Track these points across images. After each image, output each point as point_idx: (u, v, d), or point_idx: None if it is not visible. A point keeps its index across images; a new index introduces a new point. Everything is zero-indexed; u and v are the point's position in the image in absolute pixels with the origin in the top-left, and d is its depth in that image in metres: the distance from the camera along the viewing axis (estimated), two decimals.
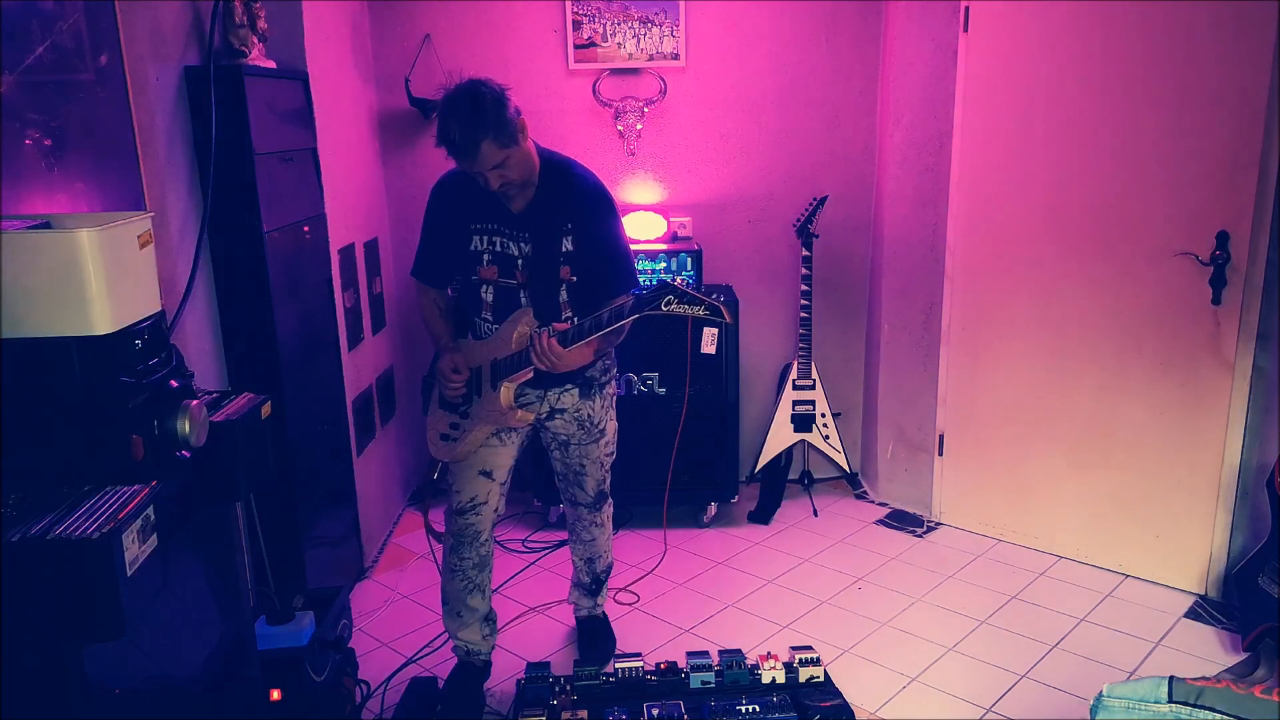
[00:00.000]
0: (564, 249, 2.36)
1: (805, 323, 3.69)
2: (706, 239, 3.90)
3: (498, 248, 2.38)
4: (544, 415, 2.52)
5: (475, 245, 2.39)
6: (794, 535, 3.67)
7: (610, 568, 2.86)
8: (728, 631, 2.98)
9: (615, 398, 2.64)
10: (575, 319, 2.31)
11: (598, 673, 2.50)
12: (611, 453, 2.66)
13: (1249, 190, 2.79)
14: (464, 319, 2.51)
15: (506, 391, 2.38)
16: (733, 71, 3.80)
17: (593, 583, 2.85)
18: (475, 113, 2.15)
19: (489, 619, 2.64)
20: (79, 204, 1.89)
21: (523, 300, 2.39)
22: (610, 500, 2.75)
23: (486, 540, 2.56)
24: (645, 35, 3.73)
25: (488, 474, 2.49)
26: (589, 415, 2.54)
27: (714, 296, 2.12)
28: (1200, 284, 2.93)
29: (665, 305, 2.09)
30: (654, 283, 2.26)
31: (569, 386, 2.49)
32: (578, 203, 2.36)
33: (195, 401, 1.54)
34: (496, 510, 2.54)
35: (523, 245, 2.36)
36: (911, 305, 3.70)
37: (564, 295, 2.39)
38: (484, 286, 2.41)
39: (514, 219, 2.36)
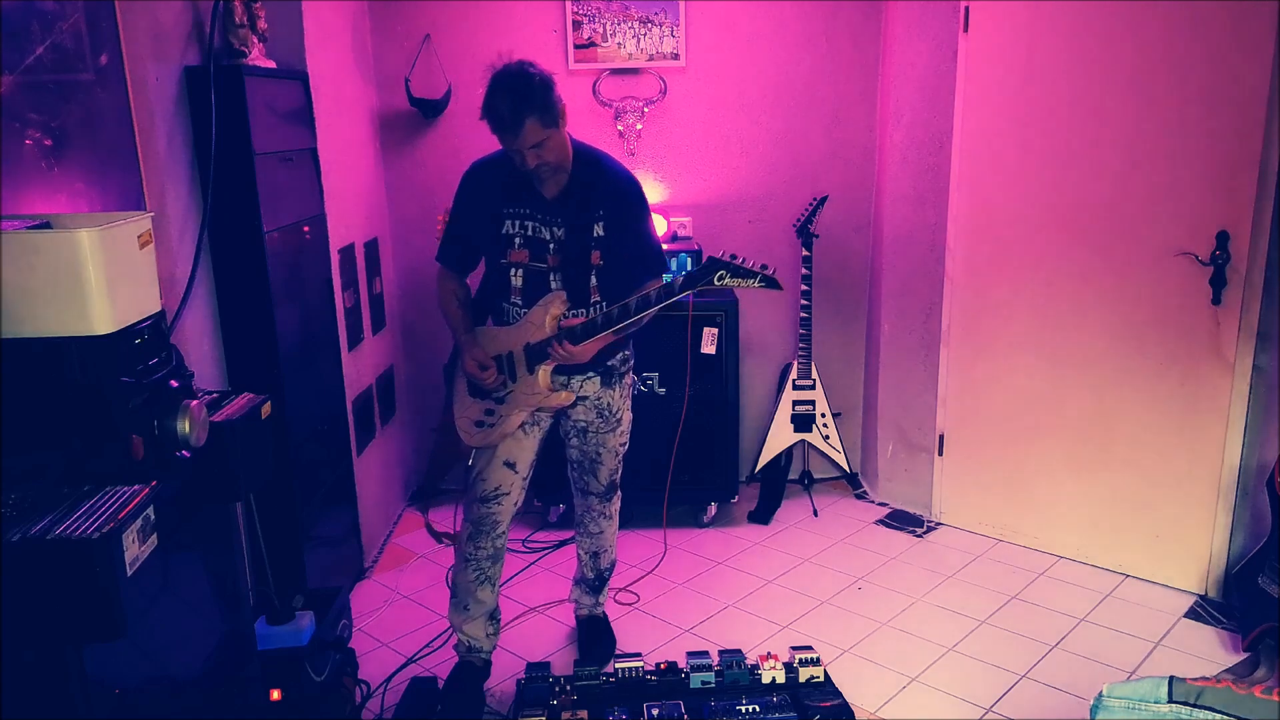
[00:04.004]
0: (595, 234, 2.41)
1: (805, 323, 3.69)
2: (706, 239, 3.89)
3: (529, 232, 2.42)
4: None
5: (507, 229, 2.43)
6: (794, 535, 3.67)
7: (614, 565, 2.88)
8: (728, 631, 2.98)
9: (632, 388, 2.68)
10: (600, 305, 2.38)
11: (598, 673, 2.50)
12: (625, 443, 2.69)
13: (1249, 190, 2.79)
14: (486, 306, 2.55)
15: (544, 374, 2.43)
16: (733, 71, 3.80)
17: (596, 579, 2.86)
18: (524, 90, 2.21)
19: (494, 616, 2.65)
20: (79, 204, 1.89)
21: (553, 284, 2.42)
22: (620, 493, 2.78)
23: (503, 533, 2.59)
24: (645, 35, 3.72)
25: (511, 465, 2.52)
26: (609, 404, 2.58)
27: (762, 268, 2.14)
28: (1200, 284, 2.93)
29: (718, 280, 2.15)
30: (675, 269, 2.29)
31: (591, 374, 2.54)
32: (609, 190, 2.42)
33: (195, 401, 1.54)
34: (516, 504, 2.58)
35: (555, 230, 2.41)
36: (911, 305, 3.69)
37: (593, 280, 2.43)
38: (514, 270, 2.44)
39: (547, 205, 2.41)
